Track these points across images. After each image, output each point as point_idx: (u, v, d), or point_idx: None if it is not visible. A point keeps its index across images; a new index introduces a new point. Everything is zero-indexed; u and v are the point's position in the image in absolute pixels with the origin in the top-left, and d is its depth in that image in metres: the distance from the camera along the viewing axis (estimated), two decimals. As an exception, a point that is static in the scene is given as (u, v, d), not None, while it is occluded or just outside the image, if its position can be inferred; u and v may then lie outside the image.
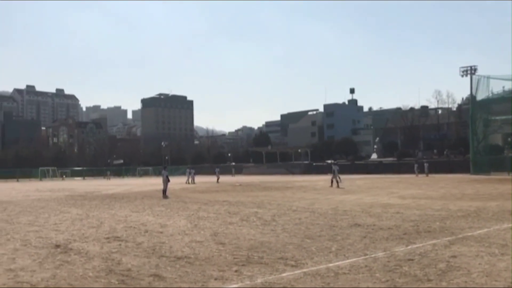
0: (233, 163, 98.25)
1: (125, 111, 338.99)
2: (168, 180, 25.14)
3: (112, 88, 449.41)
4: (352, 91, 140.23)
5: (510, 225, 11.15)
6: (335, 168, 30.93)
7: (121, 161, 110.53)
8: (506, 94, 65.80)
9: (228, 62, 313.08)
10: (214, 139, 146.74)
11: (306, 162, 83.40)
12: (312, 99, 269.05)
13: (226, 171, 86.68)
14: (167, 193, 24.73)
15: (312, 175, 66.98)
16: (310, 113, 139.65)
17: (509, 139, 63.83)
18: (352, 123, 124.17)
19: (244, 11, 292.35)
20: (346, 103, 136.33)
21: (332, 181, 30.15)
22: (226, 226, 12.19)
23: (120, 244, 9.60)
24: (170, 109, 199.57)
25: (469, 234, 9.90)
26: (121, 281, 6.54)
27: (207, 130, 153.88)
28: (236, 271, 6.96)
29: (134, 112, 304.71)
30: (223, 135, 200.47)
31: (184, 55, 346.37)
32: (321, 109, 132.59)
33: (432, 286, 5.84)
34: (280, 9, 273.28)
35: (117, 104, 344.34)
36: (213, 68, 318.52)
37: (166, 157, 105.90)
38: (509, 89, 65.83)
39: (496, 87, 60.76)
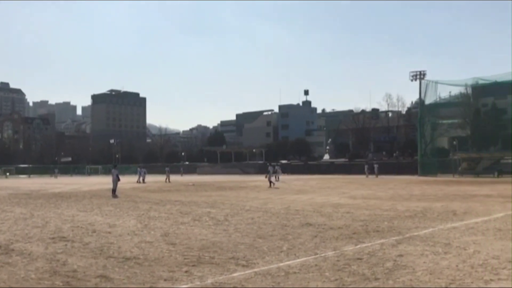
0: (187, 162, 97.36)
1: (74, 107, 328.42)
2: (118, 179, 24.56)
3: (61, 83, 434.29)
4: (306, 92, 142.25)
5: (453, 225, 11.62)
6: (270, 169, 31.90)
7: (69, 158, 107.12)
8: (453, 99, 68.84)
9: (184, 60, 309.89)
10: (167, 138, 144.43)
11: (261, 162, 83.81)
12: (268, 100, 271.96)
13: (179, 171, 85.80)
14: (117, 192, 24.16)
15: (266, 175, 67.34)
16: (265, 113, 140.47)
17: (454, 142, 66.76)
18: (306, 124, 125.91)
19: (199, 8, 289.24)
20: (301, 104, 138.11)
21: (270, 182, 30.90)
22: (177, 226, 12.03)
23: (66, 245, 9.27)
24: (122, 106, 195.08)
25: (415, 233, 10.23)
26: (66, 282, 6.30)
27: (160, 128, 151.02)
28: (186, 271, 6.87)
29: (83, 108, 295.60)
30: (177, 133, 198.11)
31: (138, 51, 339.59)
32: (276, 110, 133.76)
33: (379, 285, 5.97)
34: (235, 8, 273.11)
35: (66, 100, 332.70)
36: (168, 66, 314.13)
37: (117, 155, 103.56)
38: (456, 94, 69.01)
39: (444, 92, 63.64)
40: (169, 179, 45.36)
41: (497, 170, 49.27)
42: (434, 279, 6.20)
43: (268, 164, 37.90)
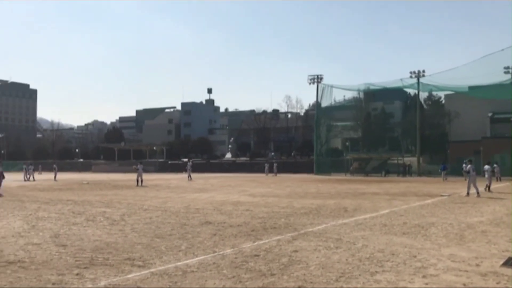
0: (81, 160, 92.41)
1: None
2: (3, 177, 22.60)
3: None
4: (209, 91, 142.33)
5: (344, 221, 12.31)
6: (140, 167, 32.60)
7: None
8: (346, 103, 73.22)
9: (78, 52, 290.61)
10: (60, 133, 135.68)
11: (161, 160, 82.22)
12: (170, 97, 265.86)
13: (74, 168, 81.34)
14: (1, 191, 22.20)
15: (167, 173, 66.28)
16: (167, 110, 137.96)
17: (347, 143, 71.02)
18: (208, 122, 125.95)
19: (92, 1, 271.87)
20: (204, 102, 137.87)
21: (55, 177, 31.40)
22: (69, 226, 11.35)
23: None
24: (9, 98, 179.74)
25: (310, 229, 10.68)
26: None
27: (52, 123, 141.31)
28: (77, 274, 6.50)
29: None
30: (71, 129, 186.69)
31: (27, 40, 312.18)
32: (179, 107, 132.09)
33: (275, 280, 6.13)
34: (131, 3, 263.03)
35: None
36: (62, 56, 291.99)
37: (2, 151, 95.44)
38: (349, 98, 73.48)
39: (338, 96, 67.55)
40: (55, 176, 42.97)
41: (384, 169, 53.31)
42: (326, 272, 6.51)
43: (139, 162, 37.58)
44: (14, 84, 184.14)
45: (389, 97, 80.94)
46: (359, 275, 6.37)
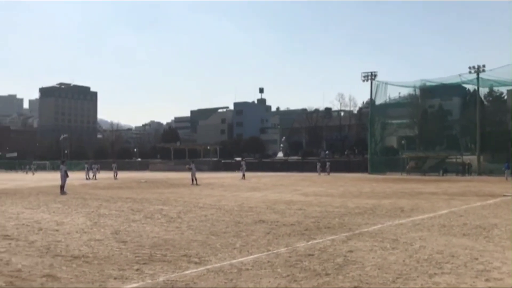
0: (139, 159, 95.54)
1: (21, 100, 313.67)
2: (67, 175, 23.80)
3: (6, 74, 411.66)
4: (261, 90, 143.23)
5: (401, 221, 12.01)
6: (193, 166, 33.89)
7: (15, 154, 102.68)
8: (402, 100, 71.16)
9: (136, 54, 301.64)
10: (119, 133, 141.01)
11: (215, 159, 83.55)
12: (222, 97, 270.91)
13: (132, 167, 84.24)
14: (66, 189, 23.40)
15: (220, 172, 67.28)
16: (220, 110, 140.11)
17: (403, 141, 69.07)
18: (260, 122, 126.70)
19: (149, 3, 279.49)
20: (255, 102, 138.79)
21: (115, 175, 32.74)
22: (128, 223, 11.78)
23: (10, 243, 8.88)
24: (72, 100, 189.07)
25: (365, 230, 10.50)
26: (10, 282, 6.04)
27: (111, 124, 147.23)
28: (137, 269, 6.74)
29: (31, 101, 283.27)
30: (129, 129, 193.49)
31: (88, 43, 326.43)
32: (231, 107, 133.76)
33: (330, 280, 6.08)
34: (185, 4, 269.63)
35: (12, 93, 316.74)
36: (120, 59, 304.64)
37: (66, 151, 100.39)
38: (404, 95, 71.41)
39: (393, 93, 65.76)
40: (116, 175, 44.65)
41: (442, 168, 51.38)
42: (382, 273, 6.39)
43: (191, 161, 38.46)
44: (76, 87, 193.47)
45: (447, 94, 77.82)
46: (417, 276, 6.20)
